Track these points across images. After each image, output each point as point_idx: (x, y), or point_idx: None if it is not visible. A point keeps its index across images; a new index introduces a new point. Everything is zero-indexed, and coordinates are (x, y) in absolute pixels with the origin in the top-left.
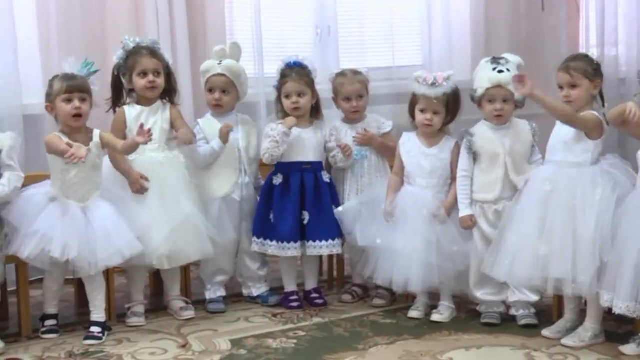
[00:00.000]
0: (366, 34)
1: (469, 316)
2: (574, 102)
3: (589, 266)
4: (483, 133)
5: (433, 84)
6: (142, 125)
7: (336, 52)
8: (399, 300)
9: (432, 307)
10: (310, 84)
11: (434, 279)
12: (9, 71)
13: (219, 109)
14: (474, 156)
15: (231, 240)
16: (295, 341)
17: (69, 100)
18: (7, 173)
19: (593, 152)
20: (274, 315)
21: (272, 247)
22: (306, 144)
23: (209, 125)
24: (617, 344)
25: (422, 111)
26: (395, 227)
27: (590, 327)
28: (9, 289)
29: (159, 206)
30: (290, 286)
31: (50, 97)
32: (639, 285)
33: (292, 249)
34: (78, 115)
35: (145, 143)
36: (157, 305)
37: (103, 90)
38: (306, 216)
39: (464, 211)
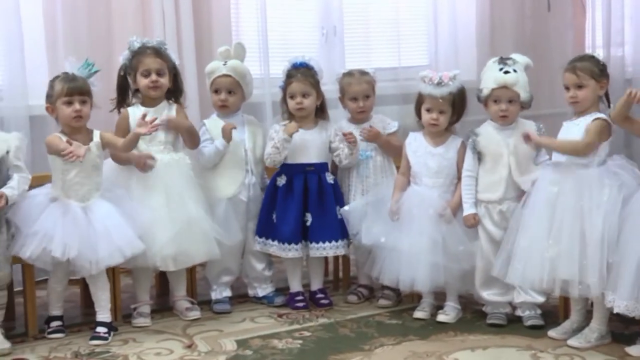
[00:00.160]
0: (372, 35)
1: (474, 317)
2: (580, 102)
3: (596, 267)
4: (488, 133)
5: (439, 84)
6: (144, 116)
7: (342, 53)
8: (404, 301)
9: (438, 307)
10: (316, 84)
11: (440, 279)
12: (15, 72)
13: (225, 109)
14: (479, 156)
15: (237, 241)
16: (300, 342)
17: (69, 103)
18: (15, 175)
19: (600, 154)
20: (280, 316)
21: (274, 247)
22: (310, 146)
23: (214, 126)
24: (623, 344)
25: (428, 110)
26: (401, 226)
27: (596, 328)
28: (15, 289)
29: (164, 207)
30: (295, 287)
31: (51, 99)
32: (639, 285)
33: (292, 250)
34: (78, 117)
35: (148, 134)
36: (163, 306)
37: (107, 91)
38: (309, 218)
39: (467, 210)
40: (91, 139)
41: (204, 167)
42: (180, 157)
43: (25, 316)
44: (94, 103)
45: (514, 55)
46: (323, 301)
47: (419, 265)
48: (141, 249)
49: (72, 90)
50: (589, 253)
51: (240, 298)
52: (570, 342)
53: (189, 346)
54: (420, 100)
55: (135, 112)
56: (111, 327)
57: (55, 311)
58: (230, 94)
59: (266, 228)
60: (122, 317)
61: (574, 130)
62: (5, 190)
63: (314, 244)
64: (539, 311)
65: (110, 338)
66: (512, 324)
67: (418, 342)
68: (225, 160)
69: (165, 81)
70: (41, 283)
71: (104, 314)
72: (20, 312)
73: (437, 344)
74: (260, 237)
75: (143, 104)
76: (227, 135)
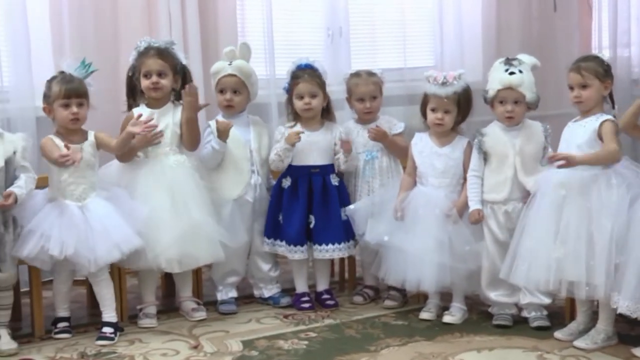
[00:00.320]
0: (378, 35)
1: (480, 318)
2: (584, 102)
3: (603, 268)
4: (494, 133)
5: (444, 83)
6: (139, 116)
7: (347, 54)
8: (410, 302)
9: (444, 308)
10: (322, 85)
11: (446, 279)
12: (22, 73)
13: (230, 109)
14: (484, 156)
15: (242, 243)
16: (306, 342)
17: (66, 106)
18: (22, 175)
19: None
20: (286, 317)
21: (282, 248)
22: (315, 148)
23: None
24: (629, 346)
25: (433, 110)
26: (407, 226)
27: (602, 329)
28: (21, 290)
29: (168, 209)
30: (301, 287)
31: (48, 100)
32: None
33: (299, 252)
34: (75, 120)
35: (141, 133)
36: (169, 307)
37: (113, 91)
38: (312, 220)
39: (472, 206)
40: (86, 139)
41: (207, 168)
42: (185, 158)
43: (31, 317)
44: (90, 104)
45: (520, 56)
46: (329, 302)
47: (425, 266)
48: (139, 245)
49: (69, 92)
50: (597, 254)
51: (246, 299)
52: (577, 343)
53: (195, 347)
54: (425, 100)
55: (140, 112)
56: (117, 327)
57: (62, 312)
58: (236, 94)
59: (274, 229)
60: (128, 317)
61: (579, 131)
62: (14, 189)
63: (317, 246)
64: (545, 312)
65: (116, 338)
66: (518, 325)
67: (424, 343)
68: (231, 161)
69: (166, 82)
70: (47, 284)
71: (109, 314)
72: (27, 313)
73: (443, 345)
74: (269, 238)
75: (148, 105)
76: (221, 133)
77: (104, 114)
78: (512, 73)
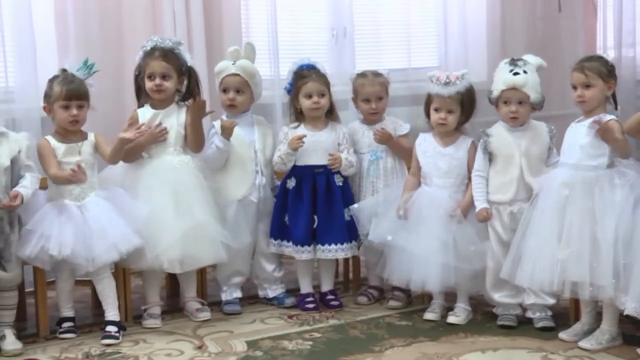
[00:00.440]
0: (382, 36)
1: (485, 318)
2: (587, 102)
3: (608, 269)
4: (499, 134)
5: (446, 83)
6: (130, 124)
7: (352, 54)
8: (414, 302)
9: (448, 309)
10: (328, 85)
11: (451, 280)
12: (27, 73)
13: (233, 109)
14: (490, 157)
15: (247, 243)
16: (311, 343)
17: (66, 107)
18: (27, 174)
19: (609, 155)
20: (290, 317)
21: (289, 248)
22: (319, 147)
23: None
24: (634, 346)
25: (436, 110)
26: (411, 227)
27: (607, 330)
28: (26, 290)
29: (171, 209)
30: (306, 288)
31: (49, 99)
32: None
33: (305, 252)
34: (75, 122)
35: (133, 139)
36: (173, 307)
37: (117, 91)
38: (316, 220)
39: (479, 206)
40: (85, 138)
41: (214, 168)
42: (189, 159)
43: (36, 317)
44: (90, 105)
45: (526, 57)
46: (333, 302)
47: (430, 266)
48: (138, 244)
49: (70, 94)
50: (601, 255)
51: (251, 299)
52: (582, 344)
53: (200, 347)
54: (428, 100)
55: (144, 113)
56: (120, 325)
57: (67, 312)
58: (239, 93)
59: (280, 230)
60: (133, 318)
61: (582, 131)
62: (20, 189)
63: (320, 246)
64: (549, 313)
65: (120, 337)
66: (522, 325)
67: (428, 343)
68: (235, 161)
69: (170, 85)
70: (52, 284)
71: (112, 312)
72: (32, 313)
73: (448, 345)
74: (275, 239)
75: (152, 105)
76: (225, 131)
77: (108, 114)
78: (516, 73)
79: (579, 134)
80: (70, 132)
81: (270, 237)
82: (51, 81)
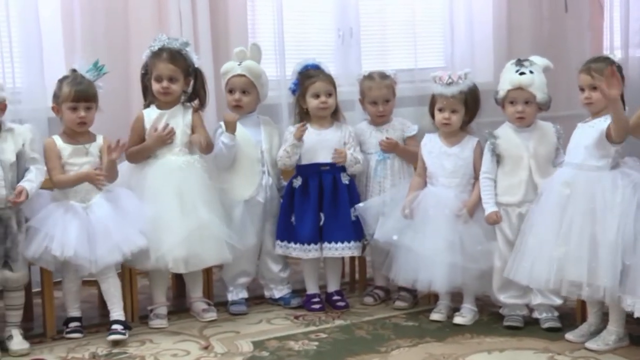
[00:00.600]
0: (388, 36)
1: (491, 319)
2: (594, 103)
3: (608, 270)
4: (507, 135)
5: (449, 83)
6: (111, 147)
7: (358, 55)
8: (421, 303)
9: (455, 309)
10: (334, 85)
11: (458, 279)
12: (34, 74)
13: (239, 109)
14: (498, 159)
15: (252, 244)
16: (317, 343)
17: (74, 109)
18: (32, 167)
19: (614, 156)
20: (296, 317)
21: (295, 250)
22: (325, 145)
23: None
24: None
25: (440, 110)
26: (417, 227)
27: (614, 331)
28: (33, 290)
29: (176, 209)
30: (312, 288)
31: (57, 100)
32: None
33: (312, 251)
34: (82, 124)
35: (118, 157)
36: (180, 307)
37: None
38: (322, 218)
39: (488, 209)
40: (93, 140)
41: (222, 167)
42: (194, 159)
43: (43, 317)
44: (98, 107)
45: (532, 57)
46: (339, 303)
47: (436, 266)
48: (143, 245)
49: (78, 95)
50: (601, 255)
51: (257, 299)
52: (588, 344)
53: (206, 347)
54: (433, 100)
55: (150, 114)
56: (126, 324)
57: (73, 312)
58: (245, 94)
59: (286, 231)
60: (139, 318)
61: (589, 132)
62: (25, 184)
63: (326, 244)
64: (556, 313)
65: (127, 334)
66: (529, 326)
67: (434, 344)
68: (241, 161)
69: (177, 87)
70: (59, 284)
71: (117, 312)
72: (39, 313)
73: (454, 346)
74: (282, 241)
75: (158, 106)
76: (229, 126)
77: (114, 114)
78: (522, 73)
79: (585, 135)
80: (78, 134)
81: (276, 239)
82: (60, 82)
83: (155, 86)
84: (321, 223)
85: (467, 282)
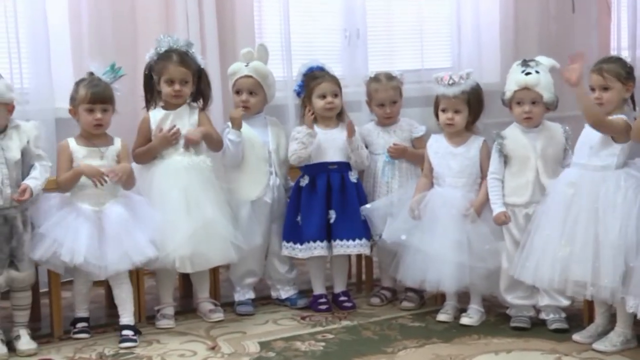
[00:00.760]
0: (395, 37)
1: (498, 320)
2: (605, 104)
3: (611, 270)
4: (514, 136)
5: (451, 83)
6: (104, 174)
7: (365, 55)
8: (427, 304)
9: (461, 310)
10: (340, 86)
11: (465, 279)
12: (41, 75)
13: (246, 110)
14: (505, 159)
15: (258, 245)
16: (323, 344)
17: (91, 111)
18: (37, 164)
19: (619, 156)
20: (303, 318)
21: (301, 251)
22: (332, 145)
23: None
24: None
25: (443, 111)
26: (424, 227)
27: (621, 332)
28: (41, 291)
29: (182, 209)
30: (318, 289)
31: (74, 102)
32: None
33: (318, 248)
34: (99, 126)
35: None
36: (186, 308)
37: (132, 94)
38: (332, 215)
39: (497, 210)
40: (110, 143)
41: (231, 166)
42: (201, 159)
43: (50, 317)
44: (115, 109)
45: (538, 57)
46: (346, 304)
47: (444, 266)
48: (152, 256)
49: (94, 97)
50: (604, 255)
51: (263, 300)
52: (596, 346)
53: (212, 348)
54: (437, 101)
55: (156, 115)
56: (136, 329)
57: (81, 313)
58: (252, 95)
59: (293, 232)
60: (146, 318)
61: (595, 132)
62: (29, 182)
63: (337, 242)
64: (563, 314)
65: (138, 340)
66: (536, 327)
67: (441, 345)
68: (249, 162)
69: (188, 89)
70: (66, 284)
71: (128, 317)
72: (46, 313)
73: (461, 347)
74: (288, 241)
75: (165, 107)
76: (235, 122)
77: (121, 116)
78: (528, 73)
79: (591, 135)
80: (95, 136)
81: (282, 240)
82: (77, 84)
83: (167, 89)
84: (332, 220)
85: (475, 281)
